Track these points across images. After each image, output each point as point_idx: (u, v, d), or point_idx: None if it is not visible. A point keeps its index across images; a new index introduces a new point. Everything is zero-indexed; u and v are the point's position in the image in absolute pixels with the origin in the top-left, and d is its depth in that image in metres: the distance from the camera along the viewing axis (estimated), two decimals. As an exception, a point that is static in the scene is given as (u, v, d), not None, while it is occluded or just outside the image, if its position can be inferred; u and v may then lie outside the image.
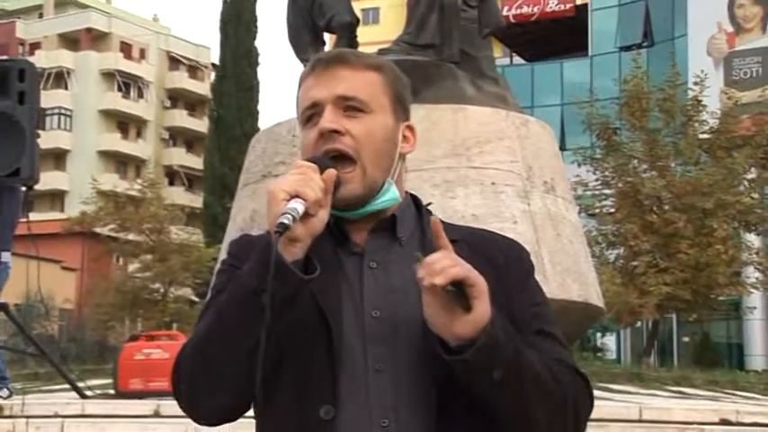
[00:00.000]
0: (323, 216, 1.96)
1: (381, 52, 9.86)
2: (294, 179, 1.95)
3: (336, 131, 2.07)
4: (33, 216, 9.52)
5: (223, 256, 2.19)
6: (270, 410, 2.05)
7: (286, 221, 1.88)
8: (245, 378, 1.92)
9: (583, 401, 2.08)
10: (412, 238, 2.15)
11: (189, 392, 2.03)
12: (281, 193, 1.92)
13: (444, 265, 1.87)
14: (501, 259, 2.14)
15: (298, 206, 1.90)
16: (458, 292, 1.87)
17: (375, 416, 1.98)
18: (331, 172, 1.99)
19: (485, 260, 2.10)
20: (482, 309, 1.89)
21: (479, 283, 1.89)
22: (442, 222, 2.19)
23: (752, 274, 27.75)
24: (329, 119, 2.08)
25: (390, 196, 2.11)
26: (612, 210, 27.85)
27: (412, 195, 2.24)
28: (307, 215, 1.93)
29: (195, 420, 2.09)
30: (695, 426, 7.05)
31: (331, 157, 2.05)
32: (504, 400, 1.95)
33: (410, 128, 2.20)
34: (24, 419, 7.34)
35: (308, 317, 2.00)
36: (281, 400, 2.02)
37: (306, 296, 1.97)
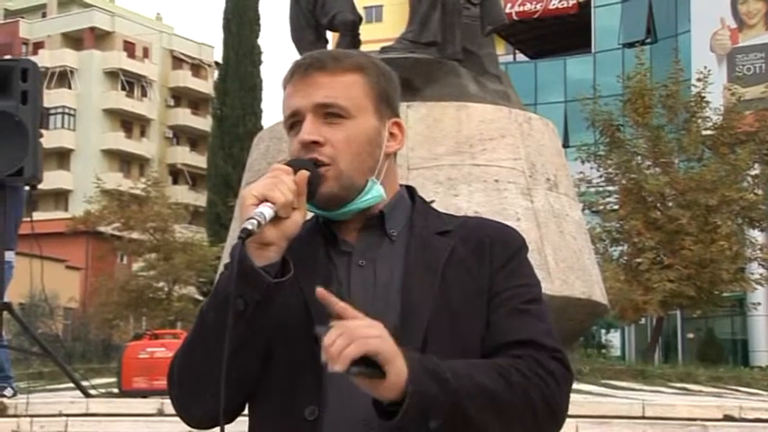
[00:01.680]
0: (297, 218, 1.98)
1: (384, 50, 9.88)
2: (264, 183, 1.96)
3: (316, 142, 2.07)
4: (37, 215, 9.51)
5: (226, 259, 2.21)
6: (258, 411, 2.08)
7: (249, 227, 1.89)
8: (230, 382, 1.93)
9: (556, 387, 2.01)
10: (403, 231, 2.14)
11: (179, 397, 2.08)
12: (249, 198, 1.94)
13: (339, 347, 1.81)
14: (486, 241, 2.14)
15: (265, 210, 1.92)
16: (365, 370, 1.83)
17: (360, 415, 1.97)
18: (302, 173, 2.00)
19: (472, 247, 2.12)
20: (395, 372, 1.84)
21: (382, 349, 1.83)
22: (440, 212, 2.22)
23: (756, 270, 27.74)
24: (308, 130, 2.08)
25: (373, 195, 2.11)
26: (616, 206, 27.85)
27: (409, 189, 2.24)
28: (278, 218, 1.94)
29: (188, 424, 2.11)
30: (698, 422, 7.05)
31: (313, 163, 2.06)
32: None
33: (398, 124, 2.19)
34: (29, 418, 7.35)
35: (296, 318, 2.02)
36: (269, 400, 2.05)
37: (289, 298, 2.00)
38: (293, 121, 2.13)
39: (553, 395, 2.00)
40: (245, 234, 1.89)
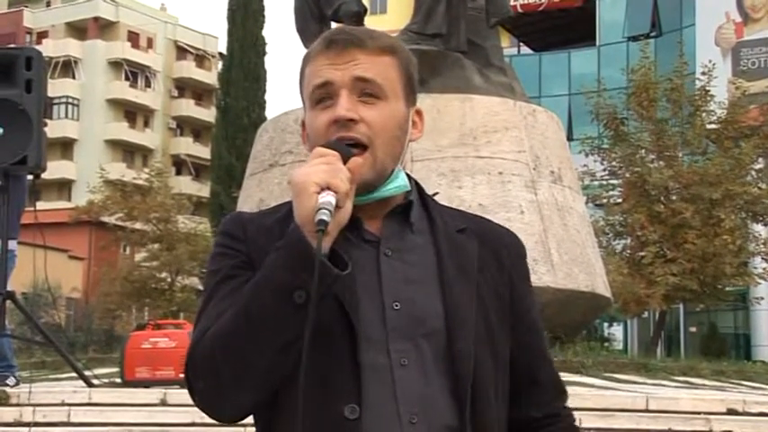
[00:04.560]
0: (349, 207, 1.90)
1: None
2: (323, 169, 1.88)
3: (352, 120, 2.00)
4: (40, 205, 9.52)
5: (217, 237, 2.12)
6: (285, 410, 1.96)
7: (325, 218, 1.83)
8: (274, 374, 1.88)
9: None
10: (421, 224, 2.09)
11: (211, 390, 1.95)
12: (311, 185, 1.86)
13: None
14: (505, 255, 2.13)
15: (331, 199, 1.85)
16: None
17: (403, 412, 1.93)
18: (357, 161, 1.94)
19: (492, 253, 2.11)
20: None
21: None
22: (445, 206, 2.18)
23: (759, 265, 27.69)
24: (346, 106, 2.00)
25: (399, 183, 2.06)
26: (620, 200, 27.80)
27: (416, 182, 2.19)
28: (336, 207, 1.86)
29: (214, 417, 2.01)
30: (702, 415, 7.05)
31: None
32: None
33: (419, 113, 2.15)
34: (31, 408, 7.35)
35: (329, 313, 1.93)
36: (304, 399, 1.89)
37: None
38: (323, 94, 2.04)
39: None
40: (324, 225, 1.82)
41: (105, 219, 40.16)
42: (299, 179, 1.87)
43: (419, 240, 2.06)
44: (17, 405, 7.46)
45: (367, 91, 2.03)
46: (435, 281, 1.99)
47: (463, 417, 1.95)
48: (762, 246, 27.14)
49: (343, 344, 1.93)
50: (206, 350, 1.94)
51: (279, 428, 1.98)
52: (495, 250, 2.12)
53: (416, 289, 1.98)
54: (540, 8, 54.99)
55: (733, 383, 10.90)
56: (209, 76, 73.87)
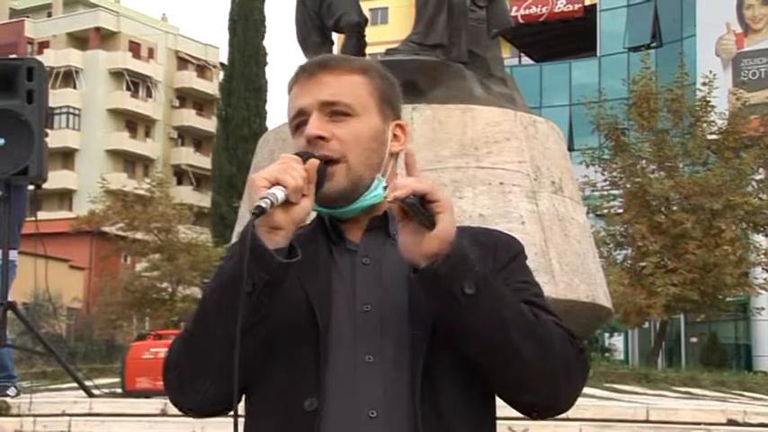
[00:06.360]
0: (306, 205, 1.99)
1: (389, 52, 9.88)
2: (275, 167, 1.97)
3: (322, 138, 2.09)
4: (42, 215, 9.51)
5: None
6: (256, 404, 2.08)
7: (263, 205, 1.89)
8: (230, 362, 1.92)
9: (574, 352, 2.05)
10: None
11: (176, 381, 2.06)
12: (261, 181, 1.94)
13: (408, 181, 1.90)
14: (490, 244, 2.17)
15: (277, 192, 1.92)
16: (420, 208, 1.90)
17: (363, 407, 2.00)
18: (313, 161, 2.01)
19: (479, 247, 2.13)
20: (446, 223, 1.92)
21: (442, 198, 1.91)
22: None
23: (760, 275, 27.71)
24: (315, 125, 2.10)
25: (378, 192, 2.12)
26: (620, 210, 27.80)
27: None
28: (289, 203, 1.95)
29: (182, 410, 2.12)
30: (702, 426, 7.04)
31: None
32: (481, 320, 1.95)
33: (400, 126, 2.22)
34: (32, 418, 7.35)
35: (298, 313, 2.04)
36: (268, 393, 2.05)
37: (292, 294, 2.02)
38: (299, 122, 2.16)
39: (572, 357, 2.04)
40: (259, 211, 1.89)
41: (106, 229, 40.21)
42: (253, 177, 1.97)
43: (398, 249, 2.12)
44: (18, 415, 7.45)
45: (335, 110, 2.13)
46: (405, 281, 2.05)
47: (421, 411, 1.99)
48: (762, 256, 27.16)
49: (311, 341, 2.02)
50: (175, 344, 2.08)
51: (250, 419, 2.10)
52: (482, 246, 2.15)
53: (387, 291, 2.06)
54: (541, 19, 55.08)
55: (734, 394, 10.90)
56: (211, 86, 73.95)
